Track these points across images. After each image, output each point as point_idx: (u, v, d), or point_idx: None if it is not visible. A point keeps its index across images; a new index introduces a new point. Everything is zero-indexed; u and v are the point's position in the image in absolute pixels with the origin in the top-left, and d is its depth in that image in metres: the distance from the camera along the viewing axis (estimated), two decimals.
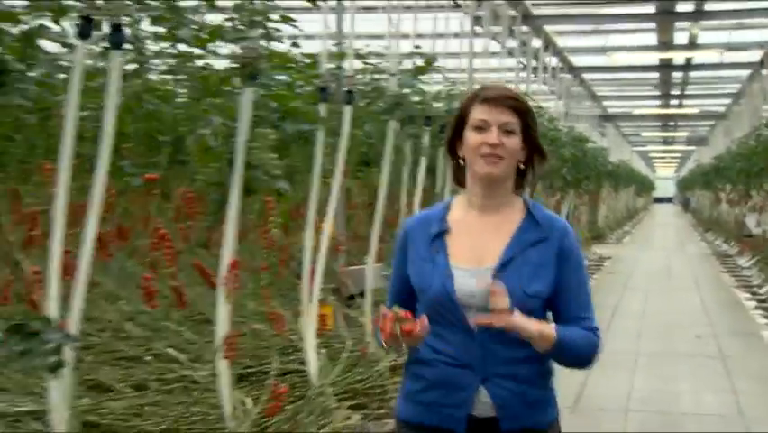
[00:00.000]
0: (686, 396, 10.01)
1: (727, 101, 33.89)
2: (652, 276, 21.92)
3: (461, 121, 2.76)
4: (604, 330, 11.45)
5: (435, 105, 10.21)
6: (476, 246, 2.72)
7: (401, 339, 2.48)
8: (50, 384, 4.45)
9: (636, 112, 44.52)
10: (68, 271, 4.60)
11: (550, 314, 2.85)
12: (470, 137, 2.70)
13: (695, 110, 41.17)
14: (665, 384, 10.39)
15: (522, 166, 2.76)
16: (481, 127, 2.66)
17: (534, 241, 2.71)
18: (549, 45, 24.23)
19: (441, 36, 11.20)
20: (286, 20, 6.33)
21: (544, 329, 2.59)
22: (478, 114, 2.68)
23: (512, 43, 17.81)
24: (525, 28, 19.32)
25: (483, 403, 2.65)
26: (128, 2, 4.85)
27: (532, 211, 2.79)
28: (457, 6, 14.44)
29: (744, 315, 15.32)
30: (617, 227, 38.07)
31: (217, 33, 5.86)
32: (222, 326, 5.90)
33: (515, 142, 2.67)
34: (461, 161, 2.80)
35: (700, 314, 15.57)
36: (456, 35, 12.40)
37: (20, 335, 3.95)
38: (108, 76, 4.78)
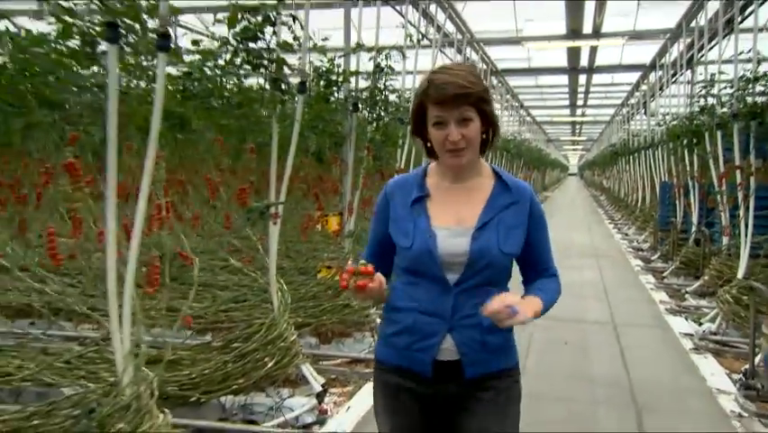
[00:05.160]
0: (577, 232, 12.35)
1: (599, 130, 32.99)
2: (566, 203, 24.01)
3: (421, 112, 1.60)
4: (555, 213, 16.21)
5: None
6: (455, 209, 1.63)
7: (354, 294, 1.52)
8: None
9: (564, 138, 43.65)
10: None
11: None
12: (433, 133, 1.58)
13: (586, 137, 41.11)
14: (569, 232, 12.64)
15: (484, 136, 1.61)
16: (440, 123, 1.56)
17: (507, 204, 1.63)
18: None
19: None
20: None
21: (537, 310, 1.57)
22: (434, 111, 1.56)
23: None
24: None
25: (449, 349, 1.60)
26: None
27: (501, 176, 1.68)
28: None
29: (598, 217, 17.82)
30: (552, 185, 36.74)
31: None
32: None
33: (474, 128, 1.56)
34: (429, 143, 1.63)
35: (583, 214, 18.40)
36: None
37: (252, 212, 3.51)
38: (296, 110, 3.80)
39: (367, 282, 1.50)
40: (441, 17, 8.90)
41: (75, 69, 2.50)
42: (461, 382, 1.61)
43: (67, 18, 2.21)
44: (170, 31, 2.47)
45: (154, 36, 2.43)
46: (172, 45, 2.48)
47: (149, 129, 2.56)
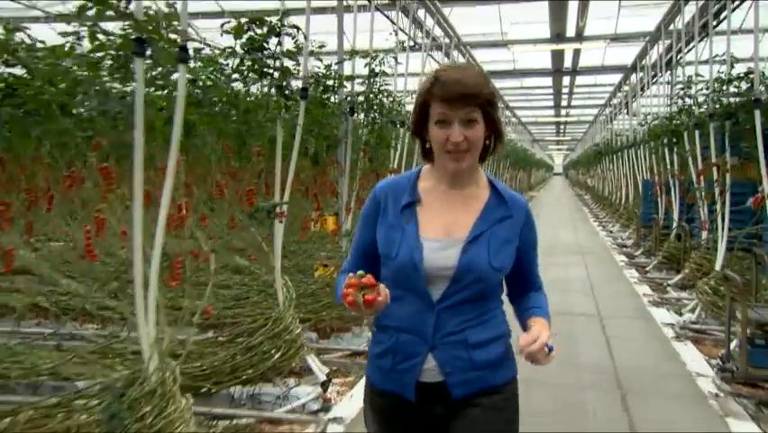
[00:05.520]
0: (563, 230, 12.90)
1: (584, 130, 33.37)
2: (552, 201, 24.17)
3: (424, 110, 1.49)
4: (541, 211, 16.64)
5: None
6: (446, 219, 1.51)
7: (362, 309, 1.34)
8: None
9: (549, 138, 43.91)
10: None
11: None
12: (435, 132, 1.47)
13: (570, 137, 42.42)
14: (554, 230, 13.18)
15: (486, 143, 1.52)
16: (444, 121, 1.44)
17: (500, 218, 1.52)
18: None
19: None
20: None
21: (548, 333, 1.44)
22: (438, 109, 1.44)
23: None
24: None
25: (431, 370, 1.48)
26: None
27: (496, 188, 1.56)
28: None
29: (583, 215, 18.06)
30: (537, 184, 37.65)
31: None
32: None
33: (478, 131, 1.45)
34: (428, 144, 1.53)
35: (569, 213, 18.50)
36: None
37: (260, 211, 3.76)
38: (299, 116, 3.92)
39: (375, 296, 1.35)
40: (429, 22, 9.10)
41: (102, 80, 2.67)
42: (447, 403, 1.50)
43: (100, 36, 2.38)
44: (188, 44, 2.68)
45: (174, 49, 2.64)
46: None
47: (163, 134, 2.76)
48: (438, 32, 10.12)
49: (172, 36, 2.64)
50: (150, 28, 2.46)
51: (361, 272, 1.37)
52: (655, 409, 3.68)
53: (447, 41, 10.56)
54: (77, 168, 3.18)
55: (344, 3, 5.72)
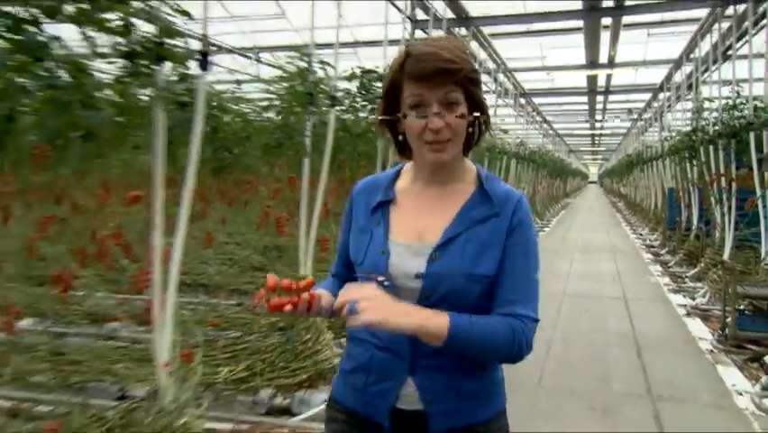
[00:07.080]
0: (596, 232, 13.74)
1: (616, 142, 32.85)
2: (587, 207, 24.01)
3: (394, 93, 1.21)
4: (576, 216, 17.53)
5: None
6: (419, 220, 1.25)
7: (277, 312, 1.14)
8: None
9: (583, 148, 44.27)
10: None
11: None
12: (410, 120, 1.18)
13: (605, 148, 42.84)
14: (589, 233, 13.99)
15: (470, 130, 1.22)
16: (419, 105, 1.16)
17: (482, 218, 1.22)
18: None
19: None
20: None
21: (427, 323, 1.11)
22: (413, 90, 1.16)
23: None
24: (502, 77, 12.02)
25: (410, 396, 1.23)
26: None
27: (484, 184, 1.26)
28: None
29: (616, 220, 18.47)
30: (573, 192, 37.91)
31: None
32: None
33: (460, 113, 1.17)
34: (401, 136, 1.25)
35: (601, 215, 18.87)
36: None
37: None
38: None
39: (284, 302, 1.14)
40: (480, 53, 10.25)
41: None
42: None
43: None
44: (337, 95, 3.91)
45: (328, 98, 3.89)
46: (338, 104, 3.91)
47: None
48: (484, 55, 11.21)
49: (326, 89, 3.86)
50: (318, 87, 3.71)
51: (302, 275, 1.23)
52: (662, 359, 4.73)
53: (494, 66, 11.60)
54: (255, 177, 4.40)
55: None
